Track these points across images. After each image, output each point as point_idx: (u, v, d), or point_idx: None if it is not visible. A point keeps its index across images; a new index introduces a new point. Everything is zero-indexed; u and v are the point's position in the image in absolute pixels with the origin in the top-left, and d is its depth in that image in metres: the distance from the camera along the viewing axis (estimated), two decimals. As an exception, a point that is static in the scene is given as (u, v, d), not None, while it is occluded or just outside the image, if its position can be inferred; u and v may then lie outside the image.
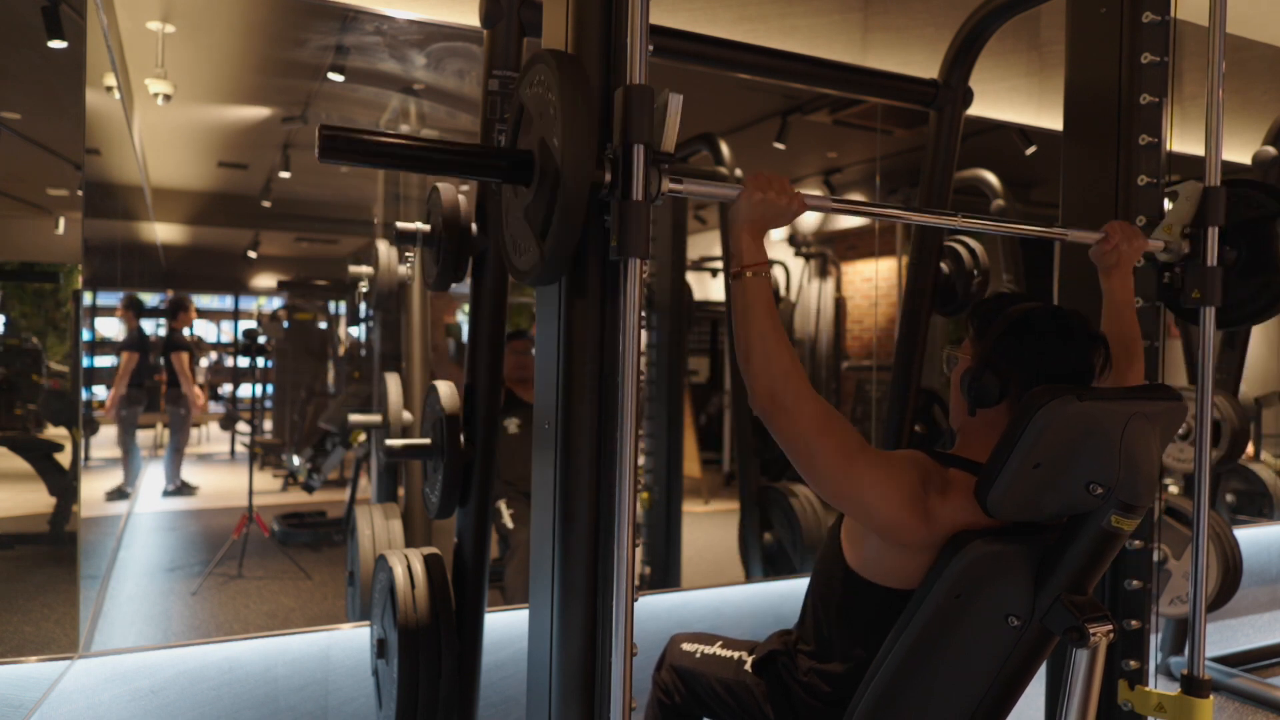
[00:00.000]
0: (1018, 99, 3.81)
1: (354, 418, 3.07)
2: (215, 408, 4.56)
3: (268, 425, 4.66)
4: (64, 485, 2.95)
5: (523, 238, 1.25)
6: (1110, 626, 1.24)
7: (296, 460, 4.59)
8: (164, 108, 3.29)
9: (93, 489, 3.60)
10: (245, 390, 4.57)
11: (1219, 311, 1.74)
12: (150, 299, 4.36)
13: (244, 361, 4.21)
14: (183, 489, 4.25)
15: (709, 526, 4.43)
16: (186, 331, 4.28)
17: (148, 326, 4.23)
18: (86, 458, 3.48)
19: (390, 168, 1.30)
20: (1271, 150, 3.29)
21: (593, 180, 1.13)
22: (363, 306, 3.37)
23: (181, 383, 4.15)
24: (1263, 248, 1.82)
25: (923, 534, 1.31)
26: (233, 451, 4.66)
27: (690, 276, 4.27)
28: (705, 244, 4.87)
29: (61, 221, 3.05)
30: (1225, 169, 1.66)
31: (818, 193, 4.82)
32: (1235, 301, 1.86)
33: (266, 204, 4.18)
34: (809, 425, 1.28)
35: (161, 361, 4.16)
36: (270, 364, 4.43)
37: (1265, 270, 1.82)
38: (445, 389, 1.73)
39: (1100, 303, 1.68)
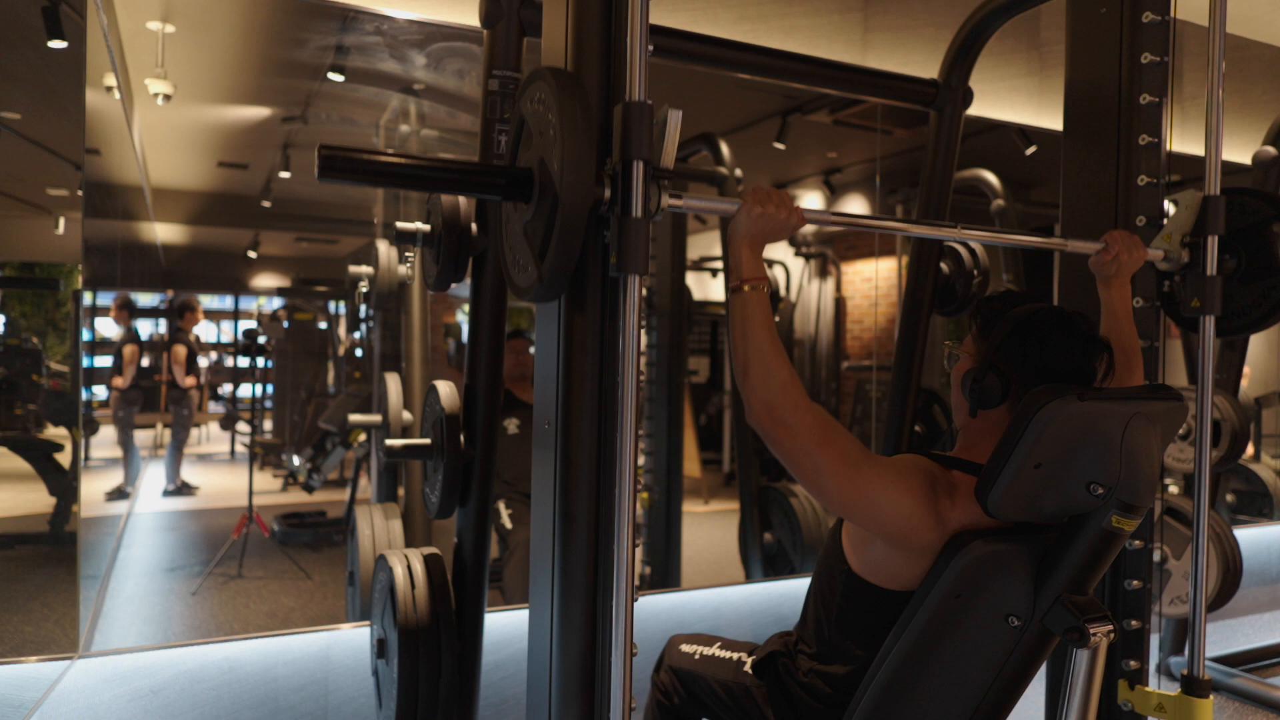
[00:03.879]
0: (1018, 99, 3.81)
1: (354, 418, 3.07)
2: (215, 408, 4.56)
3: (268, 425, 4.66)
4: (64, 485, 2.95)
5: (522, 254, 1.26)
6: (1110, 626, 1.24)
7: (296, 460, 4.59)
8: (164, 108, 3.29)
9: (93, 489, 3.60)
10: (245, 390, 4.56)
11: (1219, 320, 1.74)
12: (150, 299, 4.36)
13: (244, 361, 4.21)
14: (183, 489, 4.25)
15: (709, 526, 4.43)
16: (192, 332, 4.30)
17: (146, 326, 4.23)
18: (86, 458, 3.48)
19: (389, 186, 1.31)
20: (1271, 150, 3.29)
21: (593, 197, 1.13)
22: (363, 307, 3.37)
23: (175, 372, 4.16)
24: (1262, 254, 1.82)
25: (934, 537, 1.30)
26: (233, 451, 4.66)
27: (690, 277, 4.27)
28: (705, 244, 4.87)
29: (61, 221, 3.05)
30: (1225, 169, 1.66)
31: (818, 203, 4.83)
32: (1236, 310, 1.86)
33: (266, 204, 4.18)
34: (810, 437, 1.28)
35: (161, 361, 4.16)
36: (270, 364, 4.43)
37: (1265, 276, 1.82)
38: (445, 389, 1.73)
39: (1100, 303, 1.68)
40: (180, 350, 4.20)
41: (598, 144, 1.18)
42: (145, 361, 4.10)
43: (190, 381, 4.21)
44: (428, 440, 1.79)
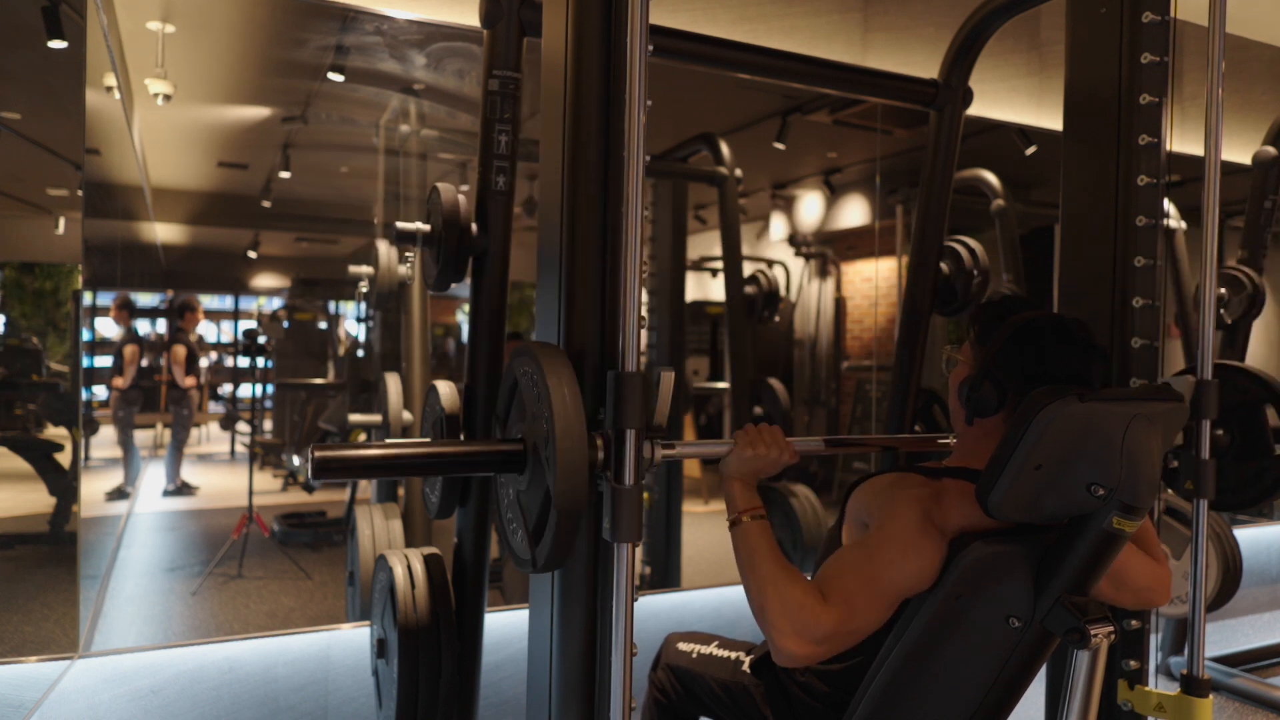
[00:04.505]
0: (1018, 99, 3.81)
1: (354, 418, 3.07)
2: (215, 408, 4.56)
3: (268, 425, 4.65)
4: (64, 485, 2.95)
5: (516, 520, 1.27)
6: (1111, 627, 1.24)
7: (296, 460, 4.59)
8: (164, 108, 3.29)
9: (93, 489, 3.60)
10: (245, 390, 4.56)
11: (1219, 495, 1.78)
12: (150, 299, 4.36)
13: (244, 361, 4.21)
14: (183, 489, 4.24)
15: (709, 526, 4.43)
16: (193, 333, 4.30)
17: (146, 326, 4.23)
18: (86, 458, 3.48)
19: (385, 477, 1.36)
20: (1271, 150, 3.29)
21: (587, 473, 1.14)
22: (363, 306, 3.37)
23: (175, 372, 4.16)
24: (1254, 433, 1.86)
25: (941, 555, 1.30)
26: (233, 451, 4.65)
27: (690, 277, 4.27)
28: (705, 244, 4.86)
29: (61, 221, 3.05)
30: (1225, 169, 1.66)
31: (818, 204, 4.83)
32: (1230, 486, 1.90)
33: (266, 204, 4.18)
34: (846, 623, 1.26)
35: (161, 361, 4.16)
36: (270, 364, 4.43)
37: (1258, 457, 1.86)
38: (445, 389, 1.73)
39: (1100, 305, 1.68)
40: (180, 350, 4.20)
41: (591, 410, 1.20)
42: (145, 362, 4.10)
43: (190, 381, 4.22)
44: (428, 440, 1.79)
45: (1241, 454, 1.88)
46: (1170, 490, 1.71)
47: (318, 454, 1.15)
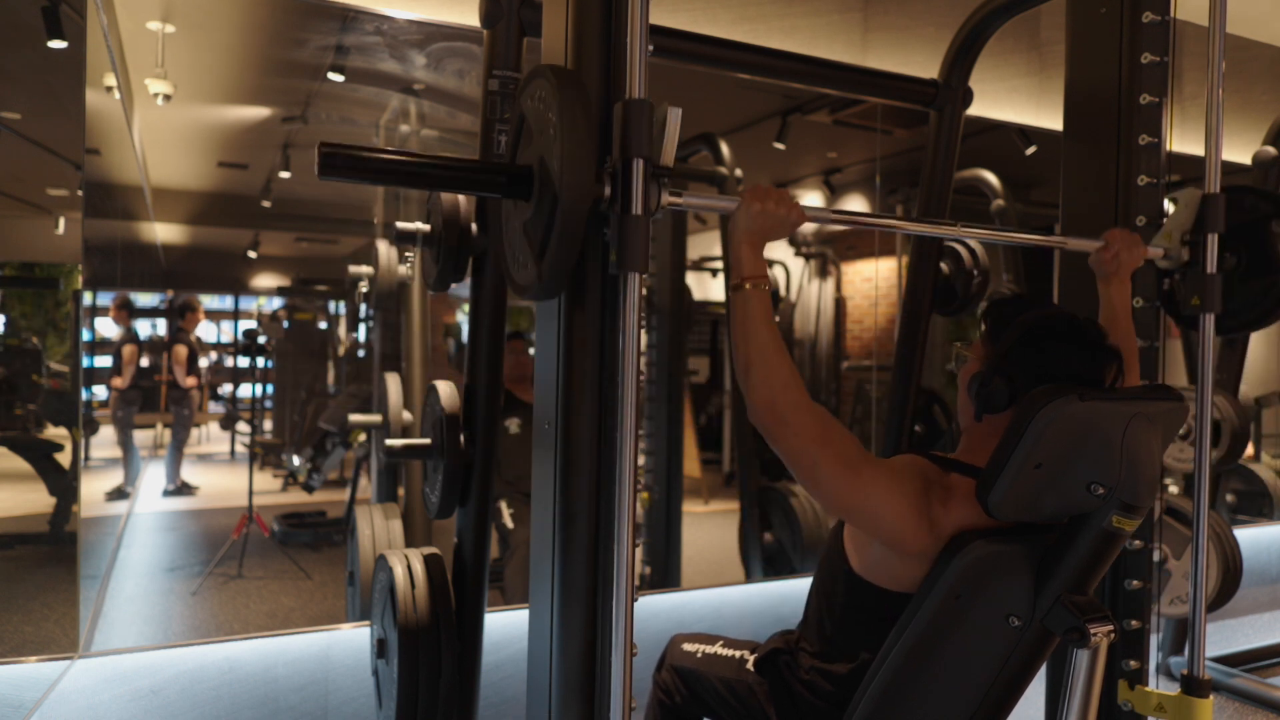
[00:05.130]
0: (1018, 99, 3.81)
1: (354, 418, 3.07)
2: (215, 408, 4.56)
3: (268, 425, 4.65)
4: (64, 485, 2.95)
5: (522, 252, 1.25)
6: (1111, 627, 1.24)
7: (296, 460, 4.59)
8: (164, 108, 3.29)
9: (93, 489, 3.60)
10: (245, 390, 4.56)
11: (1220, 318, 1.74)
12: (150, 299, 4.36)
13: (244, 361, 4.21)
14: (183, 489, 4.25)
15: (709, 526, 4.43)
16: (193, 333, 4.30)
17: (146, 326, 4.23)
18: (86, 458, 3.48)
19: (389, 184, 1.31)
20: (1271, 150, 3.29)
21: (592, 195, 1.13)
22: (363, 306, 3.37)
23: (177, 372, 4.16)
24: (1261, 251, 1.82)
25: (927, 542, 1.30)
26: (233, 451, 4.65)
27: (690, 277, 4.27)
28: (705, 244, 4.86)
29: (61, 221, 3.05)
30: (1225, 169, 1.66)
31: (818, 204, 4.83)
32: (1236, 307, 1.86)
33: (266, 204, 4.18)
34: (809, 436, 1.28)
35: (161, 360, 4.16)
36: (270, 364, 4.43)
37: (1265, 274, 1.82)
38: (445, 389, 1.73)
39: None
40: (181, 350, 4.20)
41: (598, 142, 1.18)
42: (145, 362, 4.10)
43: (191, 382, 4.22)
44: (428, 440, 1.79)
45: (1248, 273, 1.84)
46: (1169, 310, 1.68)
47: (325, 149, 1.12)
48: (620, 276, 1.14)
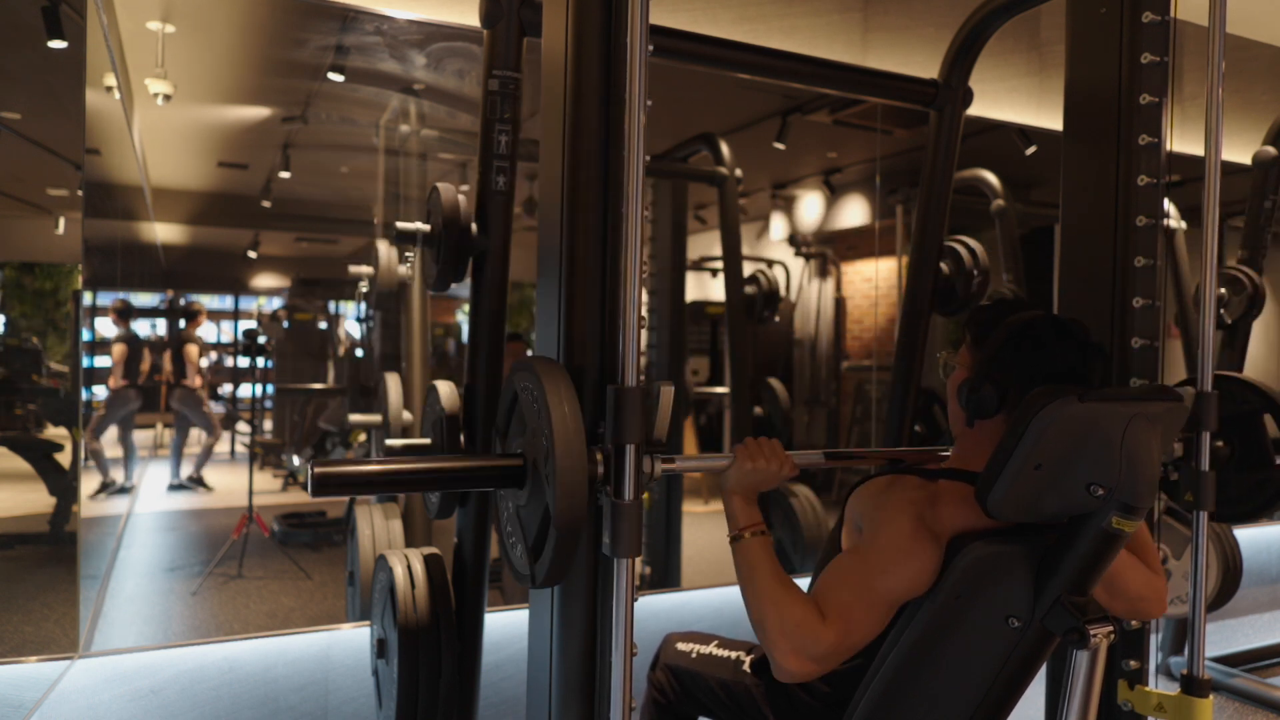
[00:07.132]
0: (1018, 99, 3.81)
1: (354, 418, 3.07)
2: (215, 408, 4.56)
3: (268, 425, 4.65)
4: (64, 485, 2.95)
5: (516, 535, 1.27)
6: (1110, 627, 1.24)
7: (296, 460, 4.59)
8: (164, 108, 3.29)
9: (93, 489, 3.60)
10: (245, 390, 4.56)
11: (1219, 506, 1.76)
12: (150, 299, 4.36)
13: (244, 361, 4.21)
14: (195, 483, 4.26)
15: (709, 526, 4.43)
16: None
17: (145, 327, 4.23)
18: (86, 458, 3.48)
19: (386, 492, 1.35)
20: (1271, 150, 3.28)
21: (585, 512, 1.13)
22: (363, 306, 3.37)
23: (188, 370, 4.17)
24: (1254, 442, 1.85)
25: (937, 558, 1.30)
26: (233, 451, 4.65)
27: (690, 277, 4.27)
28: (705, 244, 4.86)
29: (61, 221, 3.05)
30: (1225, 169, 1.66)
31: (818, 204, 4.83)
32: (1231, 497, 1.87)
33: (266, 204, 4.18)
34: (845, 638, 1.27)
35: (161, 361, 4.16)
36: (270, 364, 4.43)
37: (1259, 468, 1.84)
38: (445, 389, 1.73)
39: (1100, 305, 1.68)
40: (193, 349, 4.20)
41: (591, 425, 1.20)
42: (144, 364, 4.10)
43: (199, 381, 4.22)
44: (428, 440, 1.79)
45: (1242, 465, 1.86)
46: (1168, 496, 1.71)
47: (317, 470, 1.14)
48: (614, 560, 1.13)
